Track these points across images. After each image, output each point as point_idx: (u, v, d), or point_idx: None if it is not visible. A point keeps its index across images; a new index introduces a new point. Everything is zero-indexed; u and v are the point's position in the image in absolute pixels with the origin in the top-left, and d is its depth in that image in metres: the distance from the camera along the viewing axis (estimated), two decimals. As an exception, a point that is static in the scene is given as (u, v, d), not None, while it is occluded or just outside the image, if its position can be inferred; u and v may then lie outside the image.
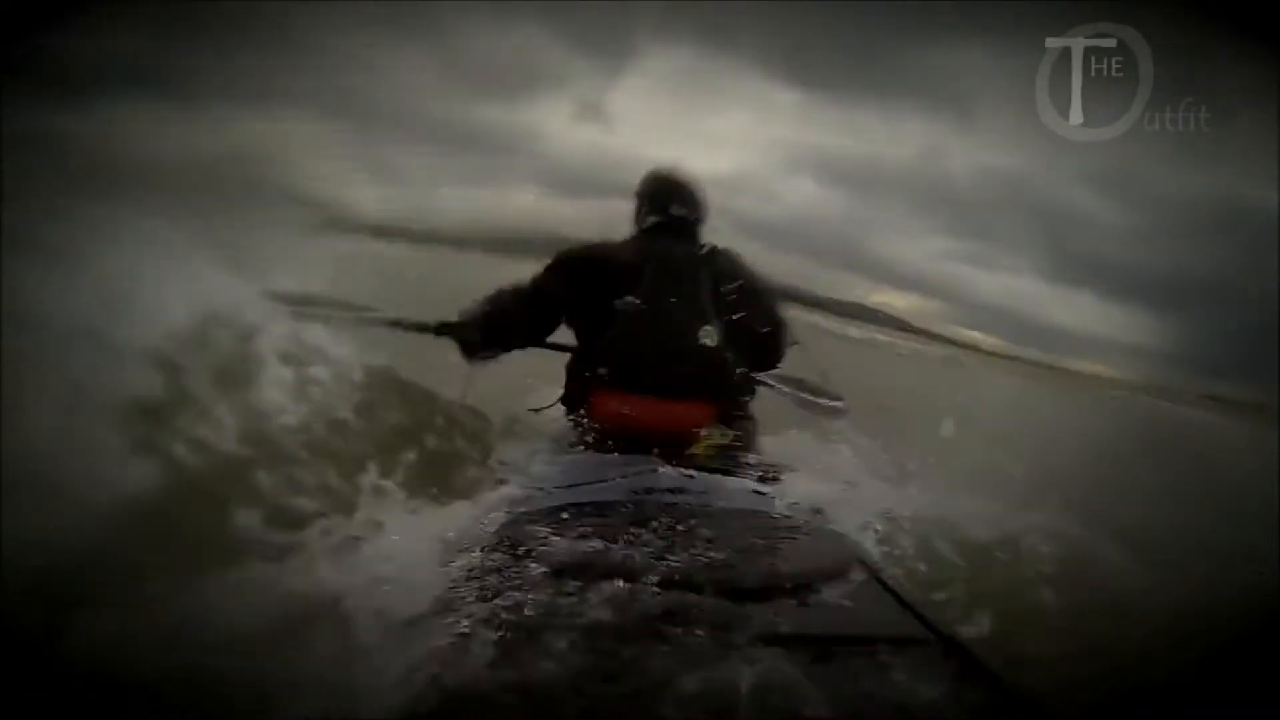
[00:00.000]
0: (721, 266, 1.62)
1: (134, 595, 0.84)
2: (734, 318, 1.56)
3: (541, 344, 1.73)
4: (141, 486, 0.99)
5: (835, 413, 2.38)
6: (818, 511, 1.19)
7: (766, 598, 0.81)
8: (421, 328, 1.78)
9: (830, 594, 0.87)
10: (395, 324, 1.84)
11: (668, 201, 1.72)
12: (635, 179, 1.81)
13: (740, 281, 1.62)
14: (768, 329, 1.69)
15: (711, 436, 1.51)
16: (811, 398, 2.33)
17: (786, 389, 2.00)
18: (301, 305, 1.88)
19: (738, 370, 1.58)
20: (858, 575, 0.93)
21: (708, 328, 1.53)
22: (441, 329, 1.73)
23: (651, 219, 1.72)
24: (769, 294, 1.69)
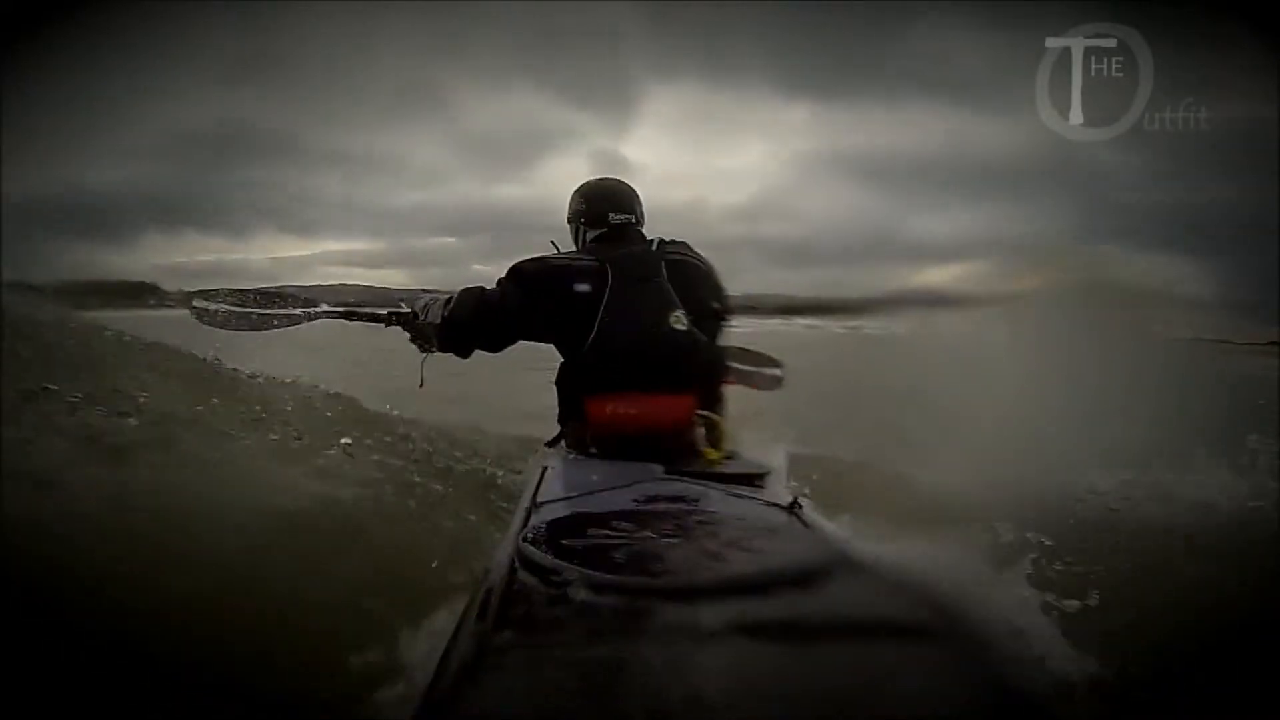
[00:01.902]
0: (674, 255, 1.66)
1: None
2: (695, 300, 1.60)
3: (497, 350, 1.72)
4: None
5: (776, 382, 2.40)
6: (798, 506, 1.20)
7: (761, 594, 0.82)
8: (374, 318, 1.86)
9: (822, 591, 0.87)
10: (349, 315, 1.92)
11: (605, 211, 1.71)
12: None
13: (693, 264, 1.66)
14: (719, 304, 1.72)
15: (711, 453, 1.54)
16: (754, 368, 2.36)
17: (732, 362, 2.01)
18: (263, 303, 1.95)
19: (711, 349, 1.63)
20: (848, 572, 0.94)
21: (677, 313, 1.56)
22: (392, 319, 1.81)
23: (594, 232, 1.71)
24: (715, 273, 1.73)
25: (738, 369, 2.09)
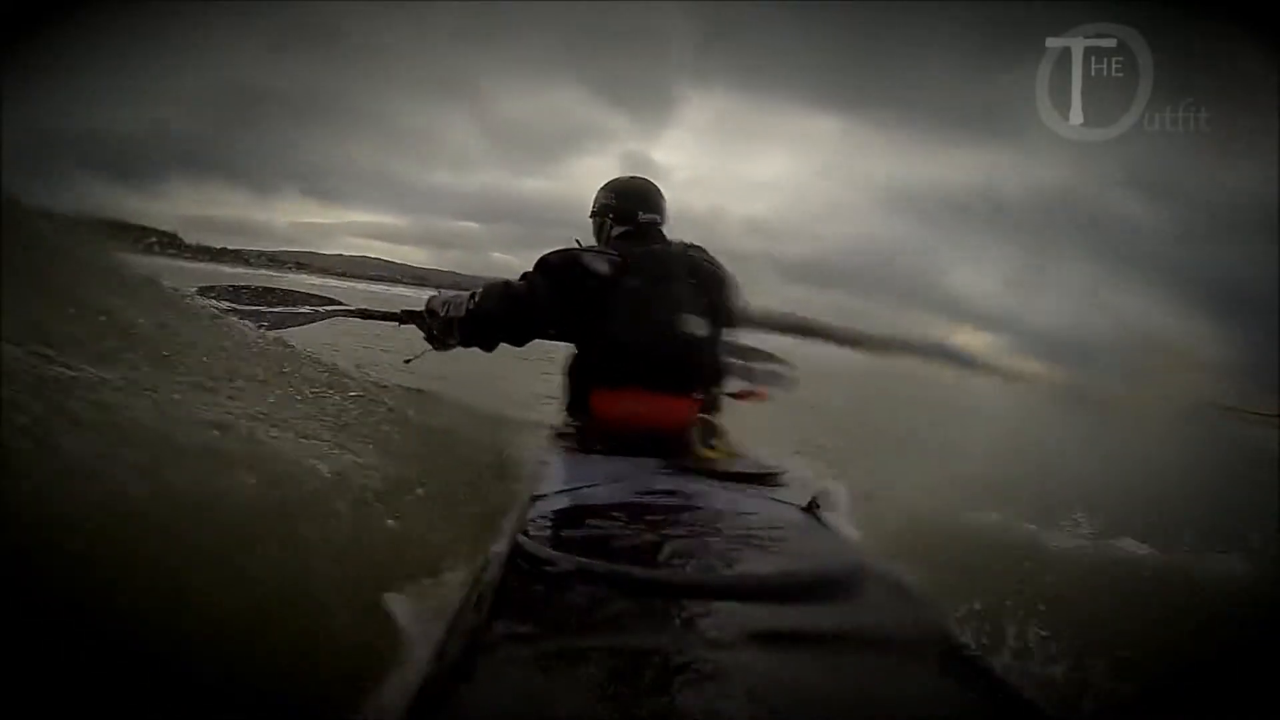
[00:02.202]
0: (695, 260, 1.67)
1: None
2: (711, 305, 1.62)
3: (521, 345, 1.73)
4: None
5: (782, 380, 2.41)
6: (816, 507, 1.19)
7: (766, 599, 0.82)
8: (387, 317, 1.89)
9: (832, 595, 0.87)
10: (364, 314, 1.94)
11: (635, 210, 1.74)
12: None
13: (712, 270, 1.68)
14: (733, 311, 1.74)
15: (714, 449, 1.54)
16: (761, 365, 2.36)
17: (737, 359, 2.02)
18: (278, 300, 1.96)
19: (720, 355, 1.64)
20: (860, 575, 0.93)
21: (695, 317, 1.58)
22: (406, 319, 1.84)
23: (620, 229, 1.73)
24: (732, 280, 1.74)
25: (747, 366, 2.10)
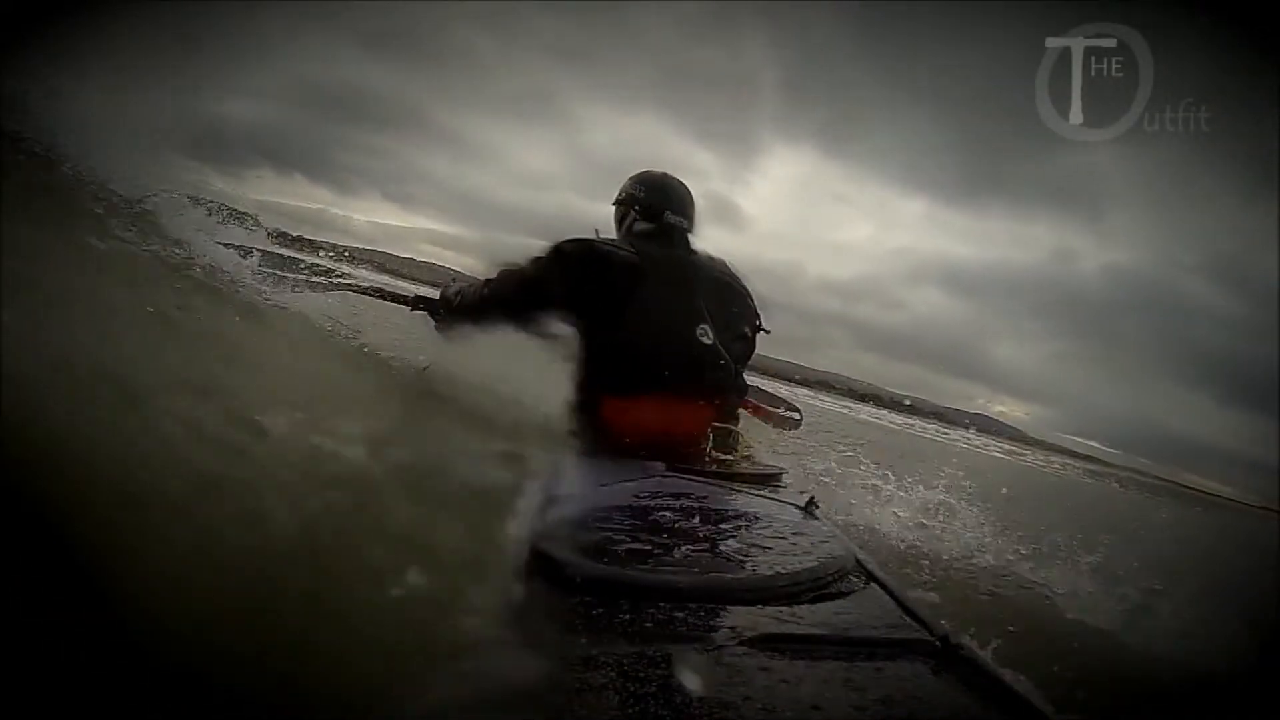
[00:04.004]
0: (715, 270, 1.64)
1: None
2: (726, 317, 1.59)
3: (528, 330, 1.72)
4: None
5: (792, 422, 2.43)
6: (813, 508, 1.20)
7: (765, 601, 0.82)
8: (399, 299, 1.91)
9: (827, 596, 0.87)
10: (379, 293, 1.96)
11: (662, 208, 1.67)
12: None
13: (730, 283, 1.65)
14: (749, 327, 1.70)
15: (728, 455, 1.55)
16: (770, 407, 2.38)
17: (751, 398, 2.05)
18: (290, 268, 1.99)
19: (732, 367, 1.61)
20: (854, 577, 0.94)
21: (704, 326, 1.55)
22: (418, 304, 1.86)
23: (643, 225, 1.68)
24: (751, 296, 1.71)
25: (756, 404, 2.12)
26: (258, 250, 1.99)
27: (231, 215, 2.09)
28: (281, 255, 2.05)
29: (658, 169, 1.78)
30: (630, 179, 1.75)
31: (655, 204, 1.67)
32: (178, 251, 1.66)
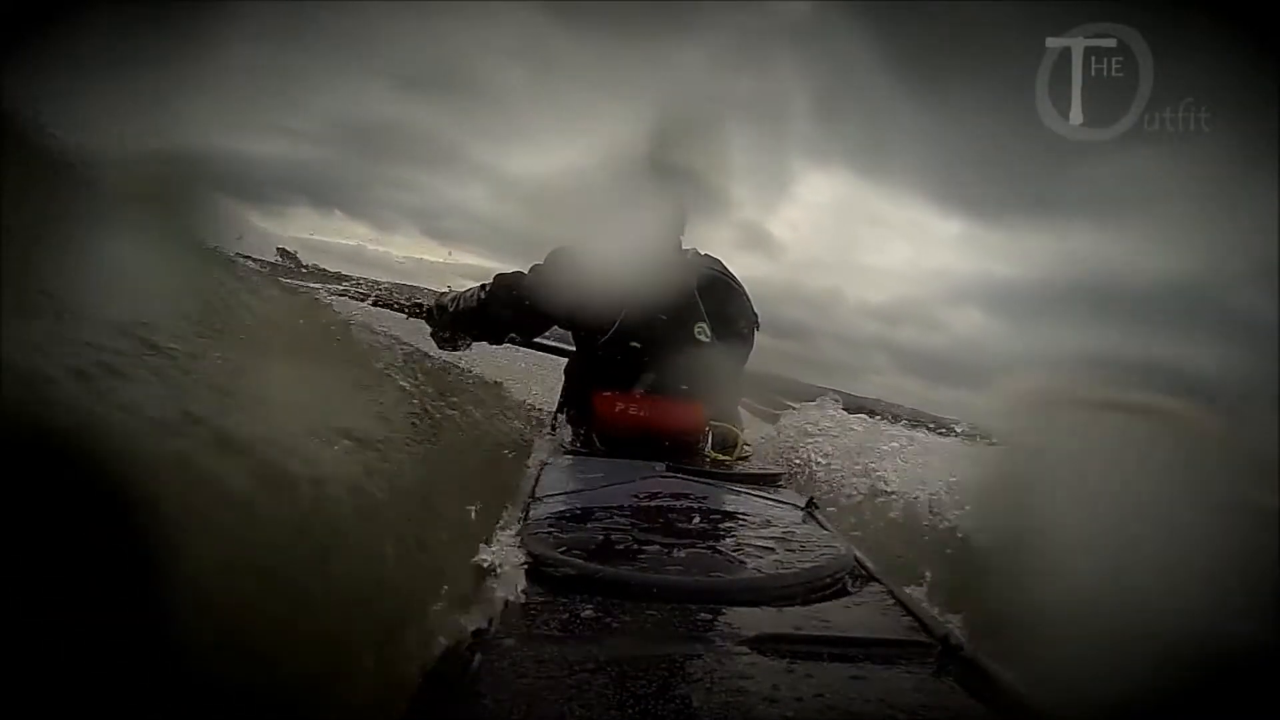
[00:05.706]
0: (708, 269, 1.68)
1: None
2: (722, 316, 1.62)
3: (529, 341, 1.75)
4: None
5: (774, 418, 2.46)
6: (814, 508, 1.20)
7: (764, 602, 0.82)
8: (396, 307, 1.97)
9: (827, 597, 0.87)
10: (376, 302, 1.99)
11: None
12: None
13: (726, 282, 1.69)
14: (745, 326, 1.74)
15: (716, 450, 1.55)
16: (754, 404, 2.41)
17: (748, 393, 2.06)
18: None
19: (729, 365, 1.64)
20: (855, 577, 0.94)
21: (700, 324, 1.58)
22: (415, 312, 1.92)
23: None
24: (747, 295, 1.75)
25: (752, 402, 2.14)
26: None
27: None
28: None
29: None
30: None
31: None
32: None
